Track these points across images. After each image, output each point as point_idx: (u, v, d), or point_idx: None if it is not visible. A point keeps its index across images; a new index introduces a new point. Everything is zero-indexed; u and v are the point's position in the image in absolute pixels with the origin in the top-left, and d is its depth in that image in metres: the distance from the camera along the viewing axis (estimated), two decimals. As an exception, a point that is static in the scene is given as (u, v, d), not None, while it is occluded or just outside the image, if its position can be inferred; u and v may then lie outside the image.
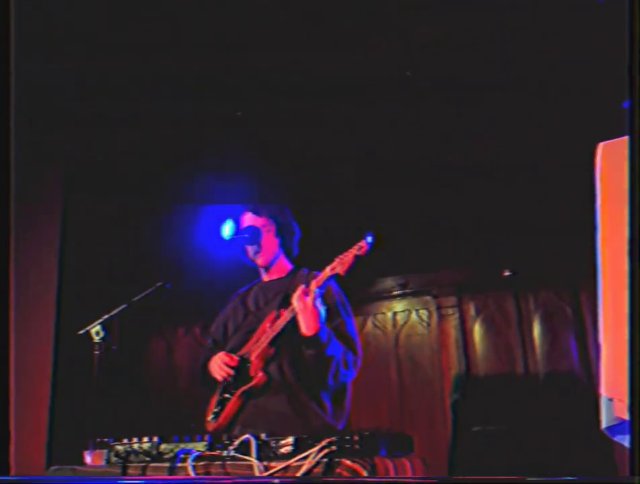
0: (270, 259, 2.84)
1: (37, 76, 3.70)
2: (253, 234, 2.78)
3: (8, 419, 1.59)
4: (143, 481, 1.88)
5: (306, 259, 2.88)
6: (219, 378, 2.63)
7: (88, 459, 2.10)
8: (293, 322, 2.47)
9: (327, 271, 2.42)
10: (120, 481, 1.91)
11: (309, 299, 2.40)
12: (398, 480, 1.65)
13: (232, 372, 2.58)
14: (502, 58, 3.76)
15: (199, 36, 3.65)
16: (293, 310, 2.46)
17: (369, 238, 2.32)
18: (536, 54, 3.70)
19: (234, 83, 4.00)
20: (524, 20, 3.54)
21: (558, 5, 3.37)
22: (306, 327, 2.41)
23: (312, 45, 3.75)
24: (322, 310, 2.43)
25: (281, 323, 2.53)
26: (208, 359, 2.76)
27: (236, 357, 2.61)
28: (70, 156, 4.69)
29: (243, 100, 4.14)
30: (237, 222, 2.90)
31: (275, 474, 1.67)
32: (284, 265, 2.87)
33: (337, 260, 2.40)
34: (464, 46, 3.74)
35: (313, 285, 2.44)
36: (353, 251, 2.35)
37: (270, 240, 2.83)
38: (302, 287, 2.44)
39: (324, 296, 2.48)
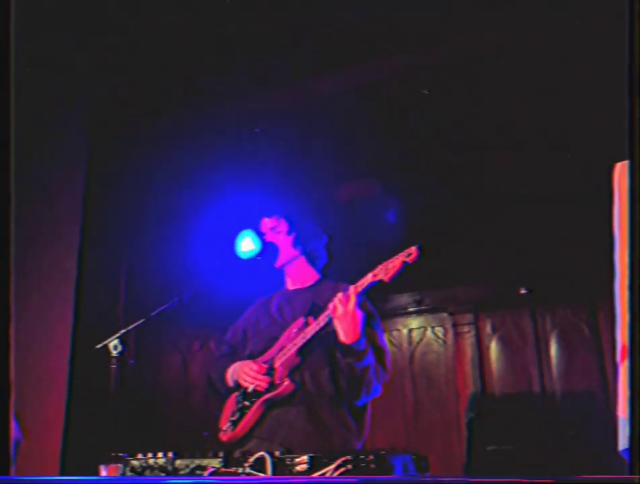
0: (284, 260, 2.66)
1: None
2: (270, 252, 2.64)
3: (7, 419, 1.60)
4: (145, 481, 1.87)
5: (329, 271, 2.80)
6: (247, 385, 2.43)
7: (103, 473, 2.11)
8: (325, 329, 2.34)
9: (369, 277, 2.24)
10: (122, 482, 1.91)
11: (350, 305, 2.23)
12: (398, 480, 1.65)
13: (265, 383, 2.38)
14: (520, 81, 3.78)
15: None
16: (328, 316, 2.31)
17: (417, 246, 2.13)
18: (553, 74, 3.71)
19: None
20: (535, 37, 3.57)
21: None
22: (345, 335, 2.25)
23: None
24: (362, 317, 2.27)
25: (312, 330, 2.36)
26: (226, 367, 2.59)
27: (265, 366, 2.42)
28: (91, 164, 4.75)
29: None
30: (257, 235, 2.70)
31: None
32: (308, 274, 2.69)
33: (380, 266, 2.22)
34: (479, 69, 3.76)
35: (352, 290, 2.26)
36: (401, 257, 2.16)
37: (282, 241, 2.66)
38: (340, 293, 2.27)
39: (360, 304, 2.30)
